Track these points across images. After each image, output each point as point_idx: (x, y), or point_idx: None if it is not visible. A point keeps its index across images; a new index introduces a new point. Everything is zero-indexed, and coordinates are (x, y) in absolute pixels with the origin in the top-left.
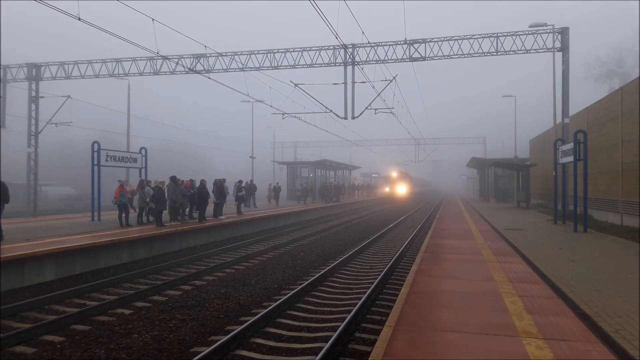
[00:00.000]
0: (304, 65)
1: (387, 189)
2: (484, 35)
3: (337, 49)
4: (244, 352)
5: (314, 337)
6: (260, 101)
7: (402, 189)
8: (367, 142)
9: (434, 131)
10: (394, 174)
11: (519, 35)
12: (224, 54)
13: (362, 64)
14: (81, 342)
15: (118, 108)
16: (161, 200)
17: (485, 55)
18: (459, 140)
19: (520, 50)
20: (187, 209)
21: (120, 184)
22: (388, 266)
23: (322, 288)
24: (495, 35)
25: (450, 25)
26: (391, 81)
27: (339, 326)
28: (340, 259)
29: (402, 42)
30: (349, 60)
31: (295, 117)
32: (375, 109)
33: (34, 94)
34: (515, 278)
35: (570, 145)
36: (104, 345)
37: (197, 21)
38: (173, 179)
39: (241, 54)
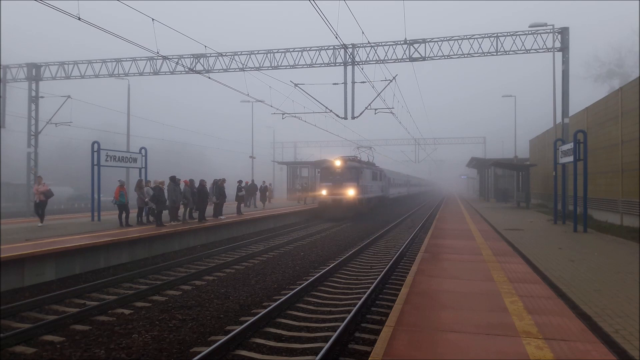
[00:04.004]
0: (304, 65)
1: (323, 192)
2: (484, 35)
3: (337, 49)
4: (244, 352)
5: (314, 337)
6: (260, 101)
7: (351, 193)
8: (367, 142)
9: (434, 131)
10: (338, 163)
11: (519, 35)
12: (224, 54)
13: (362, 64)
14: (81, 342)
15: (118, 108)
16: (161, 201)
17: (485, 55)
18: (459, 140)
19: (520, 50)
20: (188, 210)
21: (120, 184)
22: (388, 266)
23: (322, 288)
24: (495, 35)
25: (450, 25)
26: (391, 81)
27: (339, 326)
28: (340, 259)
29: (402, 42)
30: (349, 60)
31: (295, 117)
32: (375, 109)
33: (34, 94)
34: (515, 278)
35: (570, 145)
36: (104, 345)
37: (197, 21)
38: (172, 179)
39: (241, 54)
